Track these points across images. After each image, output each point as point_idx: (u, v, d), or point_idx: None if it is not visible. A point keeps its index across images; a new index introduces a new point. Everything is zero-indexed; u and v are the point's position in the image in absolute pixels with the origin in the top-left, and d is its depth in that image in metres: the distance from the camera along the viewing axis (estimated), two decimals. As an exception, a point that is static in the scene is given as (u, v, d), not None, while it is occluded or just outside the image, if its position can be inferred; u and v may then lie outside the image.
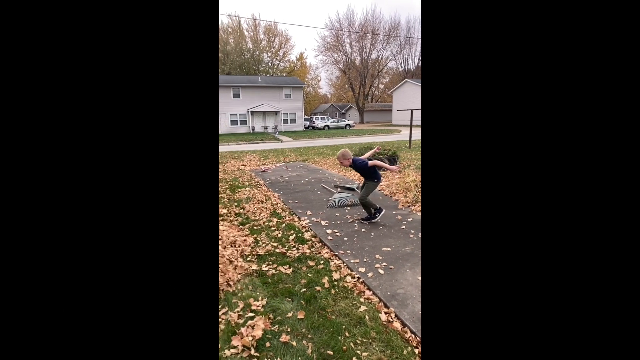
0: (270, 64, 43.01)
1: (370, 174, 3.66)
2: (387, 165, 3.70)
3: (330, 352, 1.72)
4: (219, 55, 39.28)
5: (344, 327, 1.92)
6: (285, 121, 27.94)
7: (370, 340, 1.82)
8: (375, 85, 45.33)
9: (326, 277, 2.52)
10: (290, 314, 2.06)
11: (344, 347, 1.75)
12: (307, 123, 31.13)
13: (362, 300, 2.22)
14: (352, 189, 5.41)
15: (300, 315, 2.04)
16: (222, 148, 15.00)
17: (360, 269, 2.64)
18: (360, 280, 2.49)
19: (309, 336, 1.86)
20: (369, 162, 3.59)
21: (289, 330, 1.91)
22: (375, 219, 3.76)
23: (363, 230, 3.56)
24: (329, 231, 3.52)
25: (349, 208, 4.43)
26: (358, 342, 1.80)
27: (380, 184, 4.54)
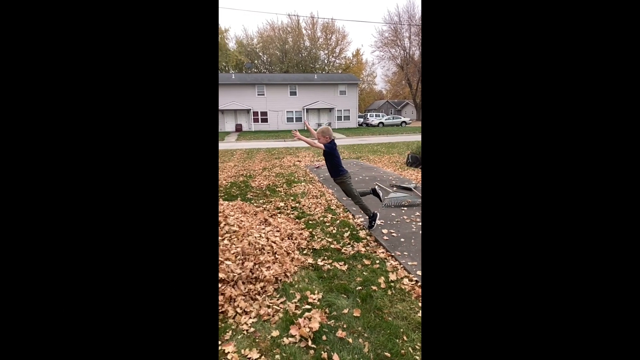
0: (326, 61, 43.40)
1: (334, 168, 3.31)
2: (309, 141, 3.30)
3: (388, 354, 1.68)
4: (278, 54, 40.84)
5: (401, 330, 1.87)
6: (339, 118, 28.01)
7: (430, 348, 1.74)
8: (435, 80, 42.81)
9: (382, 277, 2.47)
10: (346, 311, 2.07)
11: (402, 351, 1.70)
12: (361, 120, 30.82)
13: (420, 305, 2.13)
14: (409, 189, 5.21)
15: (356, 313, 2.03)
16: (279, 144, 15.62)
17: (418, 272, 2.53)
18: (419, 284, 2.39)
19: (365, 335, 1.85)
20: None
21: (344, 326, 1.92)
22: (373, 224, 3.45)
23: (421, 232, 3.41)
24: (384, 231, 3.44)
25: (405, 208, 4.28)
26: (417, 347, 1.73)
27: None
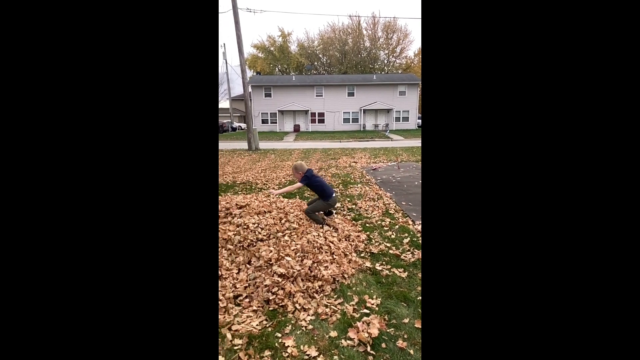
0: (386, 61, 42.48)
1: (322, 193, 3.45)
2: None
3: (454, 374, 1.57)
4: (337, 55, 41.12)
5: (468, 349, 1.72)
6: (397, 119, 27.21)
7: (502, 374, 1.57)
8: (507, 79, 39.07)
9: (446, 290, 2.32)
10: (406, 320, 1.98)
11: (470, 373, 1.57)
12: (421, 121, 29.52)
13: (490, 324, 1.95)
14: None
15: (418, 325, 1.94)
16: (334, 145, 15.73)
17: (487, 289, 2.32)
18: (488, 301, 2.19)
19: (428, 349, 1.75)
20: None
21: (405, 336, 1.84)
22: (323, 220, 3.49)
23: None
24: (447, 240, 3.23)
25: (471, 217, 3.97)
26: (487, 371, 1.59)
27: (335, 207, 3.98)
